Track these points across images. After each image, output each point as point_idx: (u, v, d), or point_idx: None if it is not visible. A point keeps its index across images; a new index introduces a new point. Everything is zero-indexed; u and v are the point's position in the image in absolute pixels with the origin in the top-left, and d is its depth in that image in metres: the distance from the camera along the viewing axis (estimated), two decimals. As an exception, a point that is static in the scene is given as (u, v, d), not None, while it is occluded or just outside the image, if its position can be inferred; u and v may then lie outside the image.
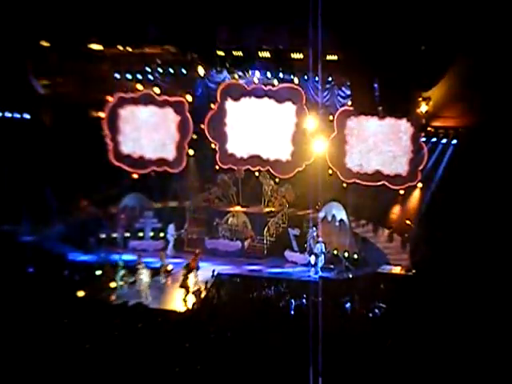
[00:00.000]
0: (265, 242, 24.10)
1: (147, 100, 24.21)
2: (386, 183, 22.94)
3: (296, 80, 23.89)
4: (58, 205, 24.02)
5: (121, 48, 23.22)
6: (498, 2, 16.82)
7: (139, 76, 25.07)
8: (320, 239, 22.40)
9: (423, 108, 22.41)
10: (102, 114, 24.48)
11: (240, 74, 24.61)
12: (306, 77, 23.91)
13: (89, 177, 23.64)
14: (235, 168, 24.56)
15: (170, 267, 21.04)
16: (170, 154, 24.41)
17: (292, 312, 16.72)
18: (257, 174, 25.17)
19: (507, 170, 19.48)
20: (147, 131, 24.36)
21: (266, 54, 22.75)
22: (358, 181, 23.31)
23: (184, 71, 24.52)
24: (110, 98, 24.41)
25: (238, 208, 24.91)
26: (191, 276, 19.05)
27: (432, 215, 22.31)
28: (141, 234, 24.74)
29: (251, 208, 25.15)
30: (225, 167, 24.67)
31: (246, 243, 23.99)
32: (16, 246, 20.86)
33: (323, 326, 13.01)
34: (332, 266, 22.23)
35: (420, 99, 22.49)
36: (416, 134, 22.46)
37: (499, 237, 18.86)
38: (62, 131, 23.98)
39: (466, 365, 11.81)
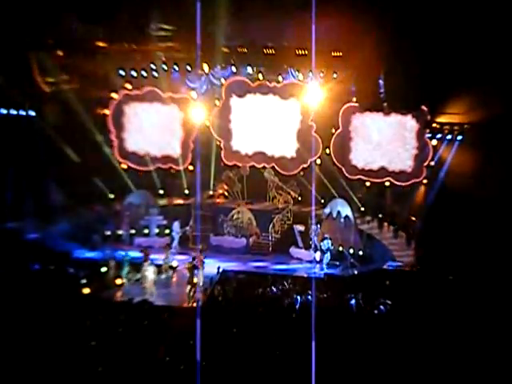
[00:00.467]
0: (270, 238, 24.10)
1: (152, 97, 24.21)
2: (391, 179, 22.88)
3: (301, 76, 23.85)
4: (62, 202, 24.12)
5: (125, 45, 23.26)
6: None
7: (144, 73, 25.13)
8: (326, 235, 22.41)
9: (428, 104, 22.34)
10: (106, 111, 24.48)
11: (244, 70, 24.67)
12: (310, 73, 23.92)
13: (93, 174, 23.74)
14: (240, 165, 24.57)
15: (175, 264, 21.07)
16: (175, 151, 24.40)
17: (297, 308, 16.70)
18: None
19: (512, 165, 19.45)
20: (152, 128, 24.35)
21: (271, 51, 22.74)
22: (362, 177, 23.28)
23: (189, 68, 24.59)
24: (114, 95, 24.42)
25: (242, 205, 24.91)
26: (196, 273, 19.04)
27: (437, 211, 22.25)
28: (146, 231, 24.78)
29: (256, 205, 25.15)
30: (230, 164, 24.66)
31: (251, 240, 24.00)
32: (21, 243, 20.90)
33: (328, 322, 13.04)
34: (337, 263, 22.22)
35: (424, 95, 22.43)
36: (421, 130, 22.37)
37: (504, 233, 18.80)
38: (67, 128, 24.02)
39: (471, 361, 11.78)
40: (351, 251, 22.55)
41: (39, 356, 11.40)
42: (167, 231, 24.54)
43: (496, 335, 13.01)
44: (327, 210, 24.27)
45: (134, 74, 25.27)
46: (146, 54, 25.04)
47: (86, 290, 17.43)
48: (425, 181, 23.59)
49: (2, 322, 12.76)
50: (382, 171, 22.94)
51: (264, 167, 24.53)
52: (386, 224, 25.15)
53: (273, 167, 24.28)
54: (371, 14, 19.24)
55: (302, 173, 24.03)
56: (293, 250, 23.57)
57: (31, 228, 22.30)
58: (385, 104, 22.96)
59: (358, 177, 23.30)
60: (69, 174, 24.07)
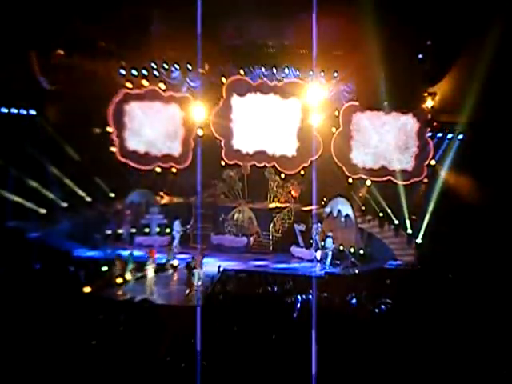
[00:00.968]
0: (270, 237, 24.12)
1: (152, 96, 24.20)
2: (392, 178, 22.87)
3: (301, 75, 23.84)
4: (64, 201, 24.15)
5: (126, 45, 23.26)
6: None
7: (145, 72, 25.12)
8: (329, 234, 22.43)
9: (429, 103, 22.32)
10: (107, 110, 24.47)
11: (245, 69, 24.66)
12: (311, 72, 23.91)
13: (94, 172, 23.74)
14: (241, 164, 24.56)
15: (175, 263, 21.09)
16: (175, 149, 24.39)
17: (298, 307, 16.70)
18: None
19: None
20: (153, 127, 24.35)
21: (272, 50, 22.73)
22: (363, 176, 23.28)
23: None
24: (115, 94, 24.40)
25: (243, 204, 24.91)
26: (197, 272, 19.04)
27: (438, 210, 22.23)
28: (147, 230, 24.80)
29: (257, 204, 25.15)
30: (230, 163, 24.65)
31: (251, 239, 24.01)
32: (23, 242, 20.90)
33: (329, 321, 13.04)
34: (338, 262, 22.23)
35: (426, 94, 22.42)
36: (422, 129, 22.37)
37: (504, 232, 18.79)
38: (68, 127, 24.02)
39: (472, 360, 11.78)
40: (352, 250, 22.56)
41: (40, 355, 11.40)
42: (168, 230, 24.56)
43: (496, 334, 13.01)
44: (328, 209, 24.28)
45: (135, 72, 25.23)
46: (146, 53, 25.00)
47: (87, 289, 17.45)
48: (425, 180, 23.56)
49: (4, 321, 12.79)
50: (383, 170, 22.95)
51: (265, 166, 24.53)
52: (386, 223, 25.14)
53: (273, 166, 24.29)
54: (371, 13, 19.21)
55: (302, 172, 24.01)
56: (293, 249, 23.59)
57: (32, 227, 22.31)
58: (385, 103, 22.93)
59: (359, 176, 23.33)
60: (69, 172, 24.11)
